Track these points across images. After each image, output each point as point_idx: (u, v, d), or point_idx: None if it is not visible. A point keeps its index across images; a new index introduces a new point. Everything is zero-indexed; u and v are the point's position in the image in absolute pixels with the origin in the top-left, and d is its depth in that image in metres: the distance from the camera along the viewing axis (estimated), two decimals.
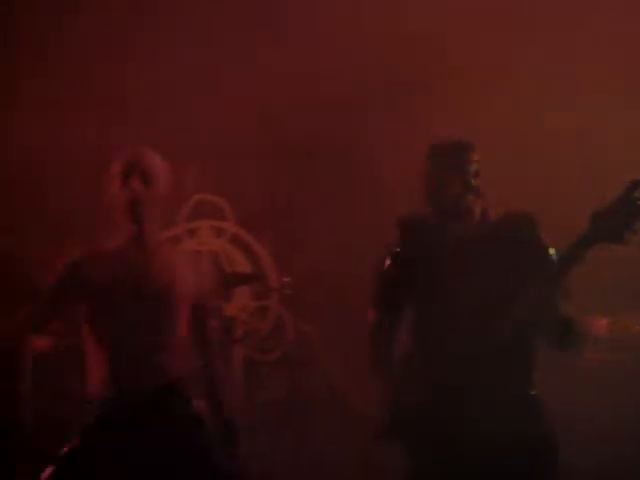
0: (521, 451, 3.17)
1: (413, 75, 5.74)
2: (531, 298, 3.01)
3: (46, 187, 6.14)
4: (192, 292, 3.42)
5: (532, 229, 3.23)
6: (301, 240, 5.99)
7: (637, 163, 4.48)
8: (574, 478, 4.16)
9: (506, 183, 4.71)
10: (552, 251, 3.17)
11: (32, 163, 6.09)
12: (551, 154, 5.43)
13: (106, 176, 3.40)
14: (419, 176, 3.34)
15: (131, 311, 3.30)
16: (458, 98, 5.58)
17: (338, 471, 5.28)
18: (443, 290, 3.25)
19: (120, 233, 3.41)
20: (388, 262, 3.43)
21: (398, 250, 3.41)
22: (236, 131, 5.96)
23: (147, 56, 6.16)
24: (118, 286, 3.33)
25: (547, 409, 3.28)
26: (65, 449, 3.26)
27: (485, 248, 3.23)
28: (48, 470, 3.24)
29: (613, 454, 4.67)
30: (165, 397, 3.32)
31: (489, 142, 4.69)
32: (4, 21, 5.94)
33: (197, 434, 3.36)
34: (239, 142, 6.01)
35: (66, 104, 6.03)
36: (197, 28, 6.15)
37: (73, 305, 3.41)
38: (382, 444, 3.40)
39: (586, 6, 5.60)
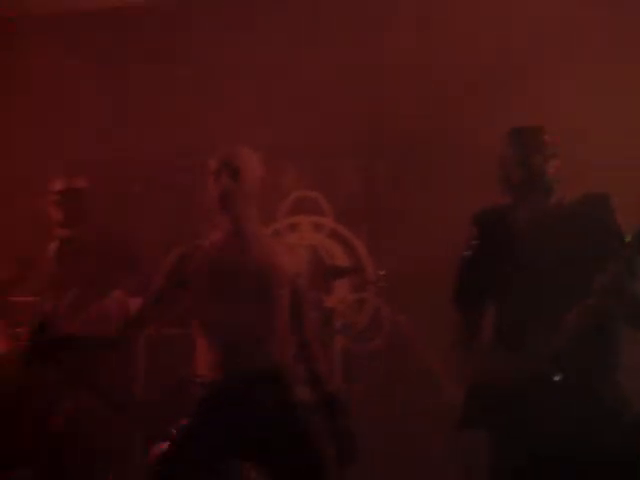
0: (608, 437, 3.14)
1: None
2: (609, 280, 2.99)
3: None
4: (290, 282, 3.55)
5: (607, 210, 3.22)
6: (396, 234, 5.95)
7: None
8: None
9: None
10: (628, 235, 3.12)
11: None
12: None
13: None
14: (498, 161, 3.42)
15: (232, 299, 3.45)
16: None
17: (431, 457, 5.34)
18: (522, 274, 3.28)
19: (219, 228, 3.60)
20: (467, 257, 3.48)
21: (476, 243, 3.46)
22: (333, 130, 6.03)
23: (242, 55, 6.21)
24: (219, 277, 3.49)
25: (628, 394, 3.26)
26: (175, 427, 3.54)
27: (561, 229, 3.26)
28: (162, 446, 3.55)
29: None
30: (267, 380, 3.44)
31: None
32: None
33: (297, 417, 3.47)
34: (336, 141, 6.09)
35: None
36: (292, 25, 6.19)
37: (181, 297, 3.59)
38: (466, 432, 3.45)
39: None
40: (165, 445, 3.55)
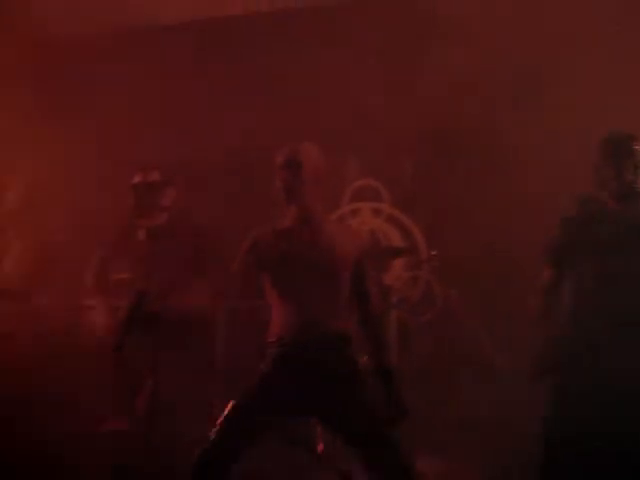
0: None
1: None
2: None
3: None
4: (353, 262, 3.72)
5: None
6: (447, 218, 6.12)
7: None
8: None
9: None
10: None
11: None
12: None
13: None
14: (595, 164, 3.66)
15: (301, 275, 3.65)
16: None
17: (477, 417, 5.47)
18: (602, 261, 3.54)
19: (288, 215, 3.78)
20: (564, 229, 3.74)
21: (572, 219, 3.73)
22: (391, 127, 6.23)
23: (310, 49, 6.47)
24: (289, 256, 3.68)
25: None
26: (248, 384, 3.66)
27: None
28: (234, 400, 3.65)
29: None
30: (332, 345, 3.65)
31: None
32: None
33: (357, 378, 3.64)
34: (394, 136, 6.27)
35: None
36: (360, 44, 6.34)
37: (257, 274, 3.80)
38: (538, 381, 3.71)
39: None
40: (237, 399, 3.66)
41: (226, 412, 3.62)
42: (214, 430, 3.57)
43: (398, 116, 6.24)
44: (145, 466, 4.79)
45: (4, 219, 6.17)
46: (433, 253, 5.97)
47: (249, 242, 3.84)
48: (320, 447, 5.10)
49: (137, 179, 5.45)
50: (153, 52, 6.80)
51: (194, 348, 5.35)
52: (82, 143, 6.48)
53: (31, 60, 6.75)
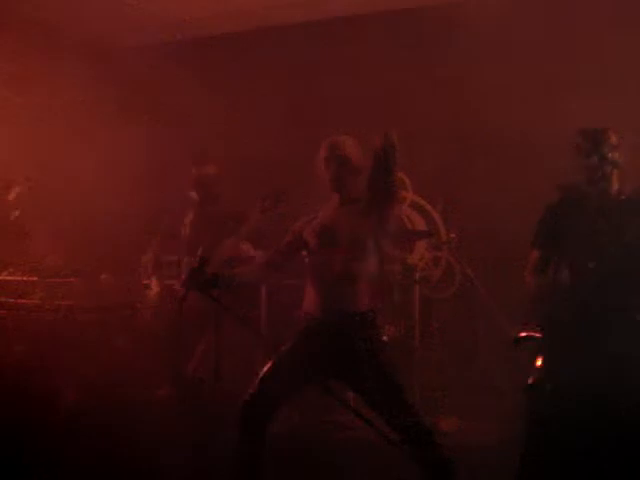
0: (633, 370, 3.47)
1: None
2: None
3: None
4: (378, 242, 3.87)
5: None
6: (465, 205, 6.25)
7: None
8: None
9: None
10: None
11: None
12: None
13: (316, 160, 3.93)
14: (576, 155, 3.65)
15: (332, 256, 3.79)
16: None
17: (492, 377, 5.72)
18: (581, 242, 3.62)
19: (331, 201, 3.98)
20: (547, 215, 3.81)
21: (556, 207, 3.80)
22: (416, 121, 6.38)
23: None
24: (326, 238, 3.86)
25: None
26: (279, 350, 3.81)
27: (621, 213, 3.57)
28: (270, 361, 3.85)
29: None
30: (356, 318, 3.80)
31: None
32: None
33: (379, 349, 3.81)
34: (417, 129, 6.32)
35: None
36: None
37: (298, 252, 4.01)
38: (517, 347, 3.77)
39: None
40: (273, 361, 3.81)
41: (266, 367, 3.82)
42: (254, 386, 3.79)
43: (422, 114, 6.43)
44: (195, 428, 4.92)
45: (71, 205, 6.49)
46: (452, 235, 6.14)
47: (300, 222, 4.00)
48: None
49: (196, 172, 5.75)
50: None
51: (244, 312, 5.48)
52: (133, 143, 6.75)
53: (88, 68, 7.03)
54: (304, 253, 3.99)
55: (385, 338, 4.15)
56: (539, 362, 3.70)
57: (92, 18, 7.07)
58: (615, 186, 3.69)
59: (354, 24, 6.82)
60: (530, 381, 3.70)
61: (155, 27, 7.28)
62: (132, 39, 7.61)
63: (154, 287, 5.82)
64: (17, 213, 6.22)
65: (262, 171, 6.66)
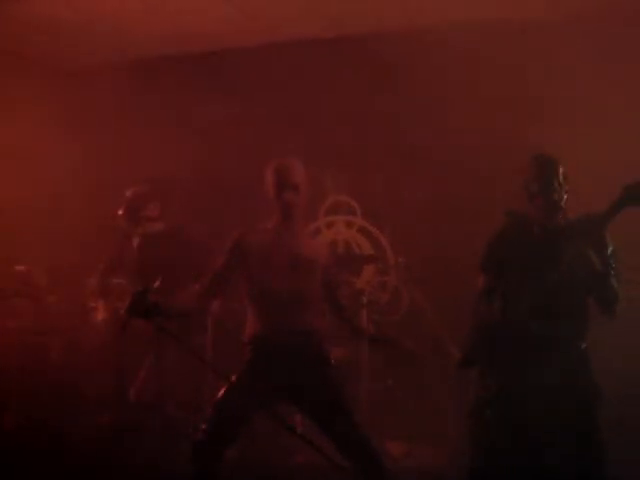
0: (570, 400, 3.52)
1: None
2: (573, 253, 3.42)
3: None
4: (321, 267, 3.88)
5: (601, 229, 3.54)
6: (413, 229, 6.16)
7: None
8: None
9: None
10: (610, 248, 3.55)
11: None
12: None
13: (265, 183, 3.85)
14: (525, 182, 3.66)
15: (278, 277, 3.76)
16: None
17: (438, 402, 5.59)
18: (530, 267, 3.62)
19: (272, 221, 3.88)
20: (494, 240, 3.84)
21: (502, 233, 3.82)
22: (363, 143, 6.48)
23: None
24: (266, 256, 3.78)
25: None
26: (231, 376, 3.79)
27: (563, 241, 3.54)
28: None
29: None
30: (302, 340, 3.79)
31: None
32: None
33: (328, 367, 3.83)
34: (364, 153, 6.49)
35: None
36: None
37: (239, 272, 3.85)
38: (462, 371, 3.83)
39: None
40: (225, 390, 3.77)
41: (215, 400, 3.76)
42: (206, 418, 3.73)
43: (366, 138, 6.50)
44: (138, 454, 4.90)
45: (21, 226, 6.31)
46: (400, 260, 6.13)
47: (233, 238, 3.89)
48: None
49: (129, 193, 5.67)
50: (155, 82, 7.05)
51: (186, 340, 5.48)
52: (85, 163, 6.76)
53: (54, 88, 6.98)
54: (244, 273, 3.88)
55: (332, 360, 4.00)
56: (480, 388, 3.73)
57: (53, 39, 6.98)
58: (561, 214, 3.70)
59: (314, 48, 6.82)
60: (472, 407, 3.74)
61: (122, 46, 7.17)
62: (92, 59, 7.52)
63: (101, 311, 5.66)
64: None
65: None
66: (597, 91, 5.55)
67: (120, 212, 5.67)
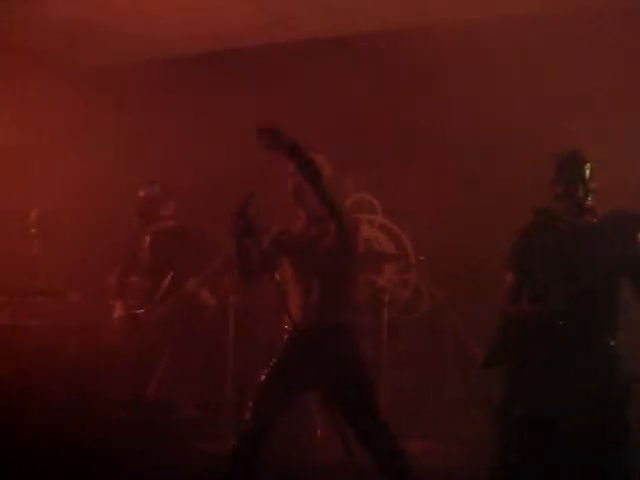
0: (598, 399, 3.43)
1: None
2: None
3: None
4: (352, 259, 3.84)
5: (633, 227, 3.47)
6: (434, 227, 6.06)
7: None
8: None
9: None
10: None
11: None
12: None
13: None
14: (551, 181, 3.60)
15: (310, 270, 3.78)
16: None
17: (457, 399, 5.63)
18: (558, 265, 3.57)
19: (298, 217, 3.93)
20: (521, 238, 3.76)
21: (530, 230, 3.75)
22: (384, 143, 6.46)
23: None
24: (301, 253, 3.80)
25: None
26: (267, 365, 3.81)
27: (590, 241, 3.53)
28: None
29: None
30: (333, 332, 3.76)
31: None
32: None
33: (360, 360, 3.79)
34: (386, 151, 6.45)
35: None
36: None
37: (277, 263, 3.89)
38: (485, 371, 3.72)
39: None
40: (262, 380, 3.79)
41: (254, 395, 3.77)
42: (248, 413, 3.73)
43: (387, 137, 6.46)
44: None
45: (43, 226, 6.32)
46: (421, 258, 6.07)
47: (273, 234, 3.94)
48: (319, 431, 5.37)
49: (141, 192, 5.64)
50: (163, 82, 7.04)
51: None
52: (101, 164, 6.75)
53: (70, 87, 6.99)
54: (285, 262, 3.89)
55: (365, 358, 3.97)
56: (507, 387, 3.64)
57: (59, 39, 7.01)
58: (589, 210, 3.63)
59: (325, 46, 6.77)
60: (498, 406, 3.65)
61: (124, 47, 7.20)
62: (109, 59, 7.53)
63: (118, 310, 5.60)
64: None
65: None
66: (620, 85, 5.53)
67: (133, 211, 5.66)
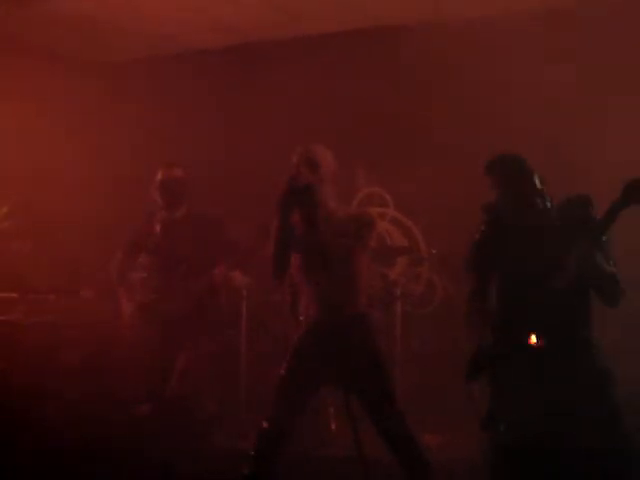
0: (585, 385, 3.37)
1: None
2: (579, 256, 3.23)
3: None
4: (362, 251, 3.82)
5: (586, 209, 3.43)
6: (446, 220, 6.03)
7: None
8: None
9: None
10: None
11: None
12: None
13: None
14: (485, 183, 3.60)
15: (322, 264, 3.68)
16: None
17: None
18: (517, 258, 3.49)
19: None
20: (477, 238, 3.68)
21: (484, 229, 3.66)
22: (395, 136, 6.43)
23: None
24: (312, 247, 3.70)
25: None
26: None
27: (549, 229, 3.47)
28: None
29: None
30: (354, 323, 3.79)
31: None
32: None
33: (374, 349, 3.79)
34: (398, 145, 6.41)
35: None
36: None
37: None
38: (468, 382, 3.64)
39: None
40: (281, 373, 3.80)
41: (273, 392, 3.76)
42: (267, 411, 3.73)
43: (398, 131, 6.41)
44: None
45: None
46: (433, 251, 6.08)
47: (279, 221, 3.77)
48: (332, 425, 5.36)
49: (162, 175, 5.34)
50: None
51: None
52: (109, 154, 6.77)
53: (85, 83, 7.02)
54: (297, 256, 3.83)
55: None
56: (490, 397, 3.56)
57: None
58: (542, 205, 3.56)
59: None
60: (483, 416, 3.54)
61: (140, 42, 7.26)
62: (123, 55, 7.63)
63: (125, 306, 5.37)
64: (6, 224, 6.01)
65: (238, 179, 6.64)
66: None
67: (156, 194, 5.37)
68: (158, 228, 5.42)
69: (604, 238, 3.38)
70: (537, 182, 3.56)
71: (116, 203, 6.59)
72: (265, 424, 3.74)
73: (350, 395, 3.83)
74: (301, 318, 3.87)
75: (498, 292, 3.62)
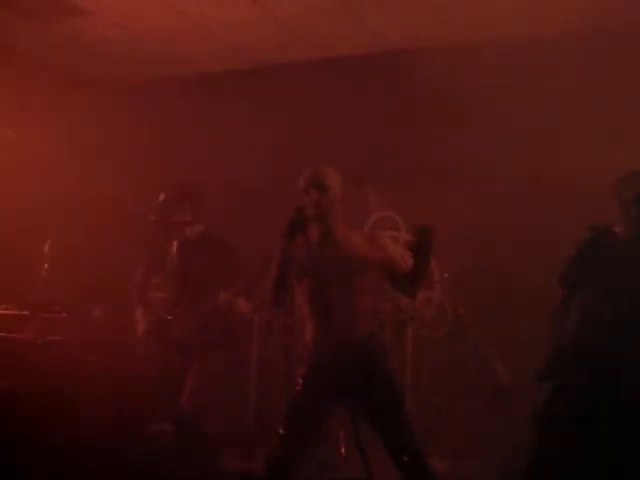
0: None
1: None
2: None
3: None
4: (377, 260, 3.77)
5: None
6: (458, 245, 5.87)
7: None
8: None
9: None
10: None
11: None
12: None
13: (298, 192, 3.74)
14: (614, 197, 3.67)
15: (329, 287, 3.67)
16: None
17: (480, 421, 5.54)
18: (609, 279, 3.61)
19: (314, 231, 3.76)
20: (575, 255, 3.79)
21: (584, 248, 3.77)
22: (406, 159, 6.44)
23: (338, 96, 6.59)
24: (318, 269, 3.69)
25: None
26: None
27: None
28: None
29: None
30: (356, 346, 3.71)
31: None
32: None
33: (383, 375, 3.72)
34: (409, 168, 6.46)
35: None
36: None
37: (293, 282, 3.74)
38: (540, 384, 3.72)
39: None
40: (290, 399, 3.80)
41: (285, 412, 3.72)
42: (278, 435, 3.65)
43: (410, 154, 6.42)
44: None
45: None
46: (445, 275, 6.02)
47: (280, 252, 3.68)
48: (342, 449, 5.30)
49: (162, 197, 5.44)
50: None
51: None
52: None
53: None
54: (302, 282, 3.78)
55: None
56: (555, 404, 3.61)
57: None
58: None
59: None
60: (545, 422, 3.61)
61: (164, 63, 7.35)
62: (137, 75, 7.71)
63: (141, 324, 5.42)
64: None
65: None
66: None
67: (152, 217, 5.44)
68: (174, 247, 5.47)
69: None
70: None
71: (130, 222, 6.55)
72: (275, 449, 3.68)
73: (358, 420, 3.74)
74: (306, 343, 3.82)
75: (581, 306, 3.69)
